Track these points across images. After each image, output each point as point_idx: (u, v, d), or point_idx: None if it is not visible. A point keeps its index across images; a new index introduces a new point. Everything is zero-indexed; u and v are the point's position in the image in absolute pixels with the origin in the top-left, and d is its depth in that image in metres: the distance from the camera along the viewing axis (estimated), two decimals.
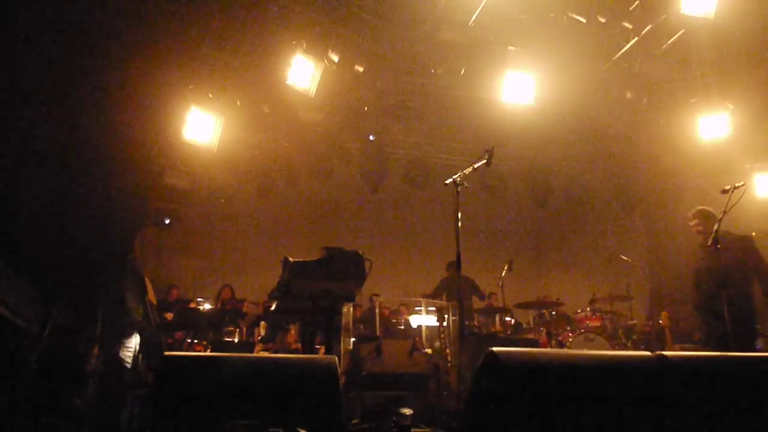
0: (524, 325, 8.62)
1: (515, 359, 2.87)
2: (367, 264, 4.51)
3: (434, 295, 9.26)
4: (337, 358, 3.08)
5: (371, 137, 10.48)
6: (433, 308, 8.52)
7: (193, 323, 8.08)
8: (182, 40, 7.75)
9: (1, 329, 4.89)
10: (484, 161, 4.89)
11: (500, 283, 8.34)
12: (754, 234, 5.98)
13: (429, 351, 7.07)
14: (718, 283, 5.52)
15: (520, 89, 8.36)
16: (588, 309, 8.23)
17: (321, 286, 4.35)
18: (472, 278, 9.26)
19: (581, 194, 11.38)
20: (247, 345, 8.12)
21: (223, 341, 7.94)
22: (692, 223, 6.04)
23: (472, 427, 3.04)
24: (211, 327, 8.34)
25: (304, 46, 7.83)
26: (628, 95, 9.17)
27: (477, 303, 9.40)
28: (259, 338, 8.48)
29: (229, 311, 8.88)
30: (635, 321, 8.62)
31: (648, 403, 2.79)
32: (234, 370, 2.98)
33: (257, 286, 9.06)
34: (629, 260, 8.69)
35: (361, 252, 4.54)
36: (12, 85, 5.74)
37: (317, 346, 6.51)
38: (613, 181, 11.11)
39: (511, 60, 8.34)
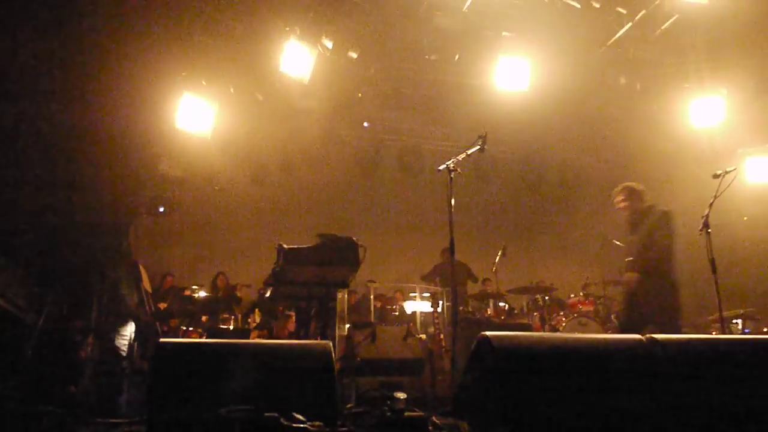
0: (517, 311, 8.67)
1: (508, 343, 2.91)
2: (361, 250, 4.54)
3: (427, 279, 9.30)
4: (331, 344, 3.11)
5: (365, 124, 10.48)
6: (428, 294, 8.57)
7: (188, 311, 8.10)
8: (175, 26, 7.70)
9: None
10: (478, 147, 4.91)
11: (494, 269, 8.38)
12: (668, 209, 5.80)
13: (423, 336, 7.12)
14: (635, 260, 5.64)
15: (513, 75, 8.37)
16: (581, 294, 8.28)
17: (315, 273, 4.38)
18: (465, 263, 9.30)
19: (574, 179, 11.42)
20: (242, 332, 8.15)
21: (218, 328, 7.96)
22: (617, 199, 5.98)
23: (465, 410, 3.08)
24: (206, 314, 8.37)
25: (298, 32, 7.80)
26: (622, 81, 9.19)
27: (471, 288, 9.45)
28: (254, 325, 8.52)
29: (224, 298, 8.91)
30: None
31: (639, 385, 2.83)
32: (229, 356, 3.01)
33: (252, 273, 9.07)
34: (622, 245, 8.71)
35: (355, 238, 4.56)
36: (1, 74, 5.71)
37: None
38: (606, 166, 11.13)
39: (505, 46, 8.34)
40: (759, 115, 8.97)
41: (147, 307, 6.90)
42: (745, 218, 9.36)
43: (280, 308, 7.89)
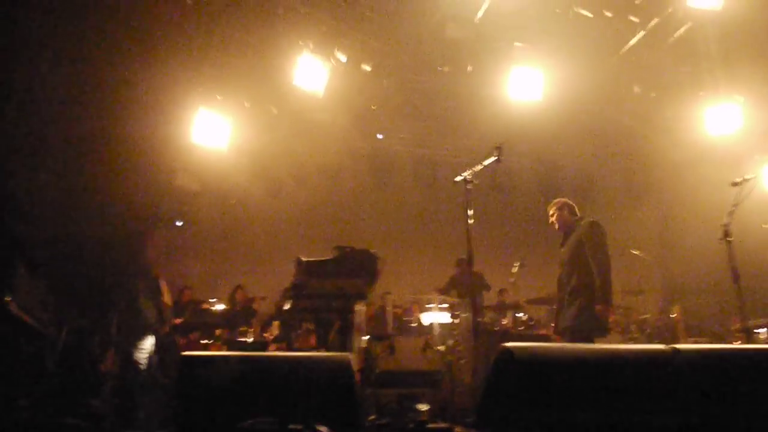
0: (535, 321, 8.61)
1: (529, 354, 2.90)
2: (379, 263, 4.54)
3: (444, 291, 9.27)
4: (351, 356, 3.12)
5: (379, 136, 10.51)
6: (445, 305, 8.54)
7: (206, 324, 8.14)
8: (189, 42, 7.81)
9: (21, 333, 4.96)
10: (495, 158, 4.91)
11: (512, 280, 8.34)
12: (594, 220, 5.76)
13: (442, 348, 7.10)
14: (565, 273, 5.66)
15: (527, 85, 8.36)
16: None
17: (334, 285, 4.39)
18: (479, 272, 9.26)
19: (590, 189, 11.36)
20: (260, 345, 8.17)
21: (237, 341, 7.99)
22: (549, 213, 6.02)
23: (487, 422, 3.07)
24: (224, 327, 8.40)
25: (311, 46, 7.86)
26: (636, 89, 9.16)
27: (489, 299, 9.40)
28: (273, 338, 8.53)
29: (241, 311, 8.94)
30: (648, 315, 8.60)
31: (663, 397, 2.81)
32: (252, 369, 3.03)
33: (269, 285, 9.08)
34: (640, 254, 8.67)
35: (373, 251, 4.57)
36: (25, 92, 5.81)
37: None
38: (622, 175, 11.09)
39: (518, 56, 8.34)
40: None
41: (167, 321, 6.94)
42: (765, 226, 9.27)
43: (302, 323, 7.89)
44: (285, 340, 8.25)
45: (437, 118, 9.94)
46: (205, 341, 7.62)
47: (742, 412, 2.83)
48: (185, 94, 8.02)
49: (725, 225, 5.04)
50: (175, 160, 8.62)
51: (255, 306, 9.03)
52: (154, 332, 6.96)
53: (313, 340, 7.72)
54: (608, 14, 7.78)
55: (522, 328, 8.23)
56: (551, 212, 5.96)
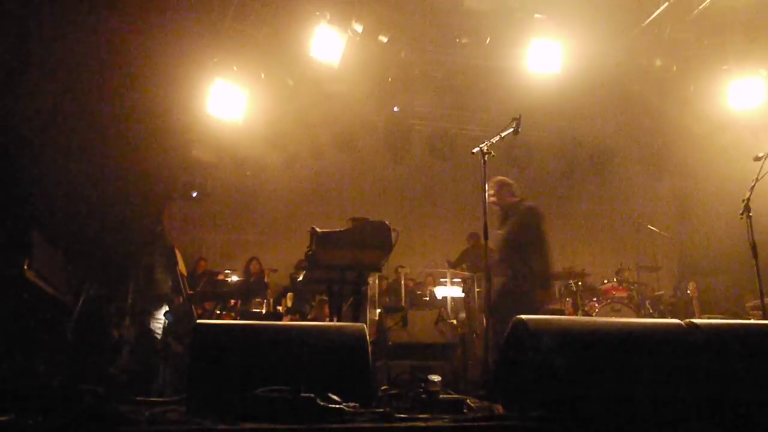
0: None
1: (544, 326, 2.88)
2: (393, 234, 4.52)
3: (455, 265, 9.25)
4: (365, 326, 3.12)
5: (396, 109, 10.43)
6: (458, 279, 8.54)
7: (221, 293, 8.21)
8: (205, 12, 7.74)
9: (39, 301, 5.01)
10: (512, 130, 4.86)
11: None
12: (534, 205, 5.80)
13: (454, 321, 7.12)
14: (502, 255, 5.61)
15: (546, 58, 8.24)
16: (615, 279, 8.19)
17: (348, 257, 4.38)
18: (492, 248, 9.22)
19: (608, 164, 11.22)
20: (274, 316, 8.23)
21: (251, 312, 8.06)
22: (489, 193, 5.90)
23: (500, 394, 3.07)
24: (238, 298, 8.47)
25: (328, 16, 7.78)
26: (658, 62, 8.98)
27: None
28: (286, 309, 8.59)
29: (255, 283, 9.01)
30: (662, 292, 8.56)
31: (679, 371, 2.78)
32: (265, 338, 3.04)
33: (283, 257, 9.14)
34: (657, 230, 8.60)
35: (387, 222, 4.55)
36: (41, 62, 5.80)
37: None
38: (641, 149, 10.94)
39: (537, 28, 8.21)
40: None
41: (182, 291, 7.00)
42: None
43: (315, 294, 7.93)
44: (299, 312, 8.32)
45: (454, 90, 9.82)
46: (219, 311, 7.69)
47: (757, 387, 2.81)
48: (202, 65, 7.98)
49: (746, 200, 4.96)
50: (191, 132, 8.62)
51: (266, 278, 9.08)
52: (170, 302, 7.04)
53: (326, 312, 7.77)
54: None
55: None
56: (490, 192, 5.83)
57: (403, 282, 8.61)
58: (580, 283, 8.09)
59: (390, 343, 6.39)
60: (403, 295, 8.53)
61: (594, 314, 7.52)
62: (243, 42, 8.14)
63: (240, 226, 10.52)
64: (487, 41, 8.59)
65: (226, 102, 8.15)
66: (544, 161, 11.39)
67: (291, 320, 8.11)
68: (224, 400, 2.65)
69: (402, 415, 2.62)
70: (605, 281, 8.27)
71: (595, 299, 8.02)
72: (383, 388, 3.27)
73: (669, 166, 10.80)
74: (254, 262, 9.22)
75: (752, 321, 5.68)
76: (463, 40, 8.63)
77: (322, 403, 2.51)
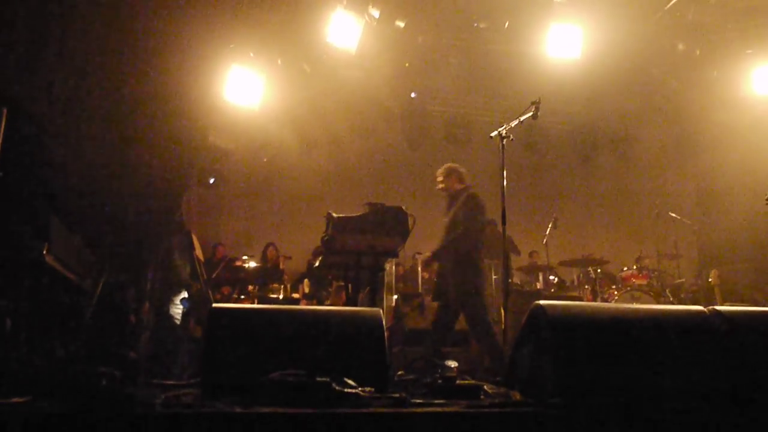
0: (568, 284, 8.52)
1: (563, 312, 2.84)
2: (410, 219, 4.50)
3: None
4: (381, 311, 3.09)
5: (413, 94, 10.34)
6: None
7: (238, 278, 8.25)
8: None
9: (58, 285, 5.05)
10: (531, 114, 4.79)
11: (545, 241, 8.24)
12: (474, 192, 5.88)
13: None
14: (444, 241, 5.74)
15: (565, 42, 8.11)
16: (634, 267, 8.09)
17: (365, 242, 4.36)
18: (509, 235, 9.15)
19: (628, 150, 11.06)
20: (291, 302, 8.26)
21: (268, 298, 8.09)
22: (437, 180, 5.92)
23: (517, 380, 3.03)
24: (255, 284, 8.51)
25: (345, 2, 7.72)
26: (680, 47, 8.80)
27: (520, 261, 9.31)
28: (303, 295, 8.61)
29: (272, 269, 9.04)
30: (683, 279, 8.45)
31: (702, 359, 2.73)
32: (281, 322, 3.03)
33: (300, 243, 9.16)
34: (678, 217, 8.46)
35: (404, 207, 4.52)
36: (61, 42, 5.82)
37: None
38: (662, 136, 10.76)
39: (557, 12, 8.08)
40: None
41: (200, 276, 7.04)
42: None
43: (332, 280, 7.94)
44: (315, 298, 8.33)
45: (472, 76, 9.70)
46: (237, 297, 7.73)
47: None
48: (219, 51, 7.96)
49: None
50: (209, 118, 8.62)
51: (281, 265, 9.11)
52: (188, 288, 7.08)
53: (343, 299, 7.77)
54: None
55: (553, 290, 8.16)
56: (438, 179, 5.98)
57: (419, 269, 8.58)
58: (599, 270, 8.02)
59: (406, 329, 6.38)
60: (419, 281, 8.51)
61: (613, 302, 7.45)
62: (260, 28, 8.10)
63: (257, 212, 10.55)
64: (506, 25, 8.47)
65: (243, 88, 8.14)
66: (562, 147, 11.25)
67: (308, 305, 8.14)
68: (239, 383, 2.65)
69: (418, 401, 2.60)
70: (625, 268, 8.18)
71: (614, 287, 7.94)
72: (399, 373, 3.25)
73: (690, 153, 10.61)
74: (271, 248, 9.25)
75: None
76: (481, 25, 8.53)
77: (337, 388, 2.50)
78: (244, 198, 10.48)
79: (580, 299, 7.76)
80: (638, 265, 8.11)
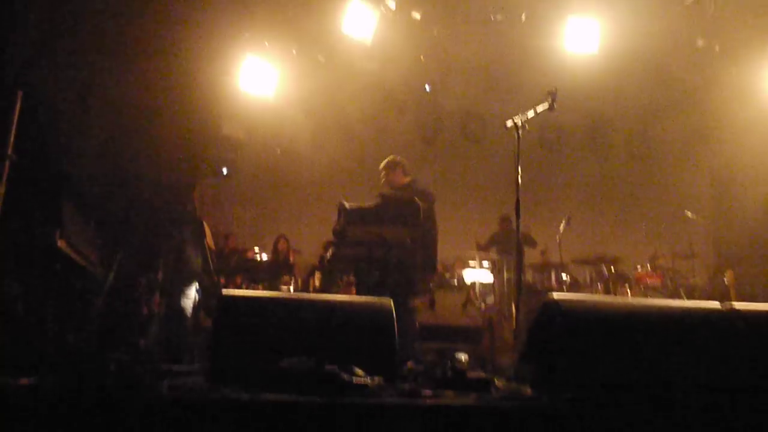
0: (581, 282, 8.43)
1: (576, 306, 2.79)
2: (422, 212, 4.45)
3: (484, 248, 9.12)
4: (392, 301, 3.06)
5: (427, 88, 10.27)
6: (488, 263, 8.42)
7: (249, 268, 8.24)
8: None
9: (70, 271, 5.07)
10: (547, 105, 4.71)
11: (558, 239, 8.16)
12: (424, 188, 5.69)
13: (482, 306, 7.03)
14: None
15: (583, 36, 8.01)
16: (648, 266, 8.00)
17: (376, 232, 4.33)
18: (525, 228, 9.07)
19: (644, 147, 10.93)
20: None
21: (278, 291, 8.07)
22: (381, 175, 5.75)
23: (528, 375, 2.99)
24: (266, 277, 8.49)
25: None
26: (699, 42, 8.67)
27: (532, 258, 9.22)
28: (314, 289, 8.58)
29: (283, 261, 9.02)
30: (698, 279, 8.34)
31: (717, 355, 2.67)
32: (291, 310, 3.00)
33: (312, 236, 9.13)
34: (694, 216, 8.35)
35: (416, 199, 4.48)
36: (75, 30, 5.82)
37: None
38: (679, 134, 10.62)
39: (575, 5, 7.98)
40: None
41: (211, 264, 7.03)
42: None
43: (341, 276, 7.90)
44: (326, 292, 8.30)
45: (487, 70, 9.62)
46: (247, 287, 7.72)
47: None
48: (233, 41, 7.95)
49: None
50: (222, 108, 8.62)
51: (291, 259, 9.09)
52: (200, 280, 7.07)
53: (353, 293, 7.74)
54: None
55: (565, 288, 8.07)
56: (381, 174, 5.82)
57: None
58: (612, 269, 7.93)
59: (417, 325, 6.33)
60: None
61: None
62: (275, 17, 8.08)
63: (270, 204, 10.55)
64: (523, 18, 8.38)
65: (257, 78, 8.12)
66: (577, 144, 11.15)
67: None
68: (248, 370, 2.63)
69: (428, 393, 2.56)
70: (638, 267, 8.09)
71: (627, 286, 7.85)
72: (408, 365, 3.22)
73: (708, 151, 10.47)
74: (282, 240, 9.23)
75: None
76: (498, 17, 8.43)
77: (346, 377, 2.47)
78: (256, 189, 10.49)
79: None
80: (652, 264, 8.01)
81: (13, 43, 5.18)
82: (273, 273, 8.60)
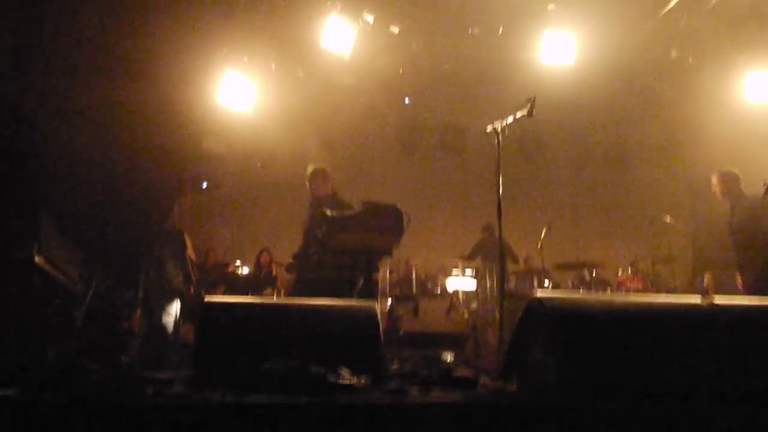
0: (563, 287, 8.49)
1: (560, 304, 2.81)
2: (405, 219, 4.46)
3: (470, 258, 9.17)
4: (377, 305, 3.06)
5: (407, 101, 10.34)
6: (470, 271, 8.46)
7: (231, 286, 8.19)
8: (216, 2, 7.71)
9: (49, 287, 5.00)
10: (526, 111, 4.75)
11: (539, 246, 8.22)
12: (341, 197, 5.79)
13: (466, 312, 7.04)
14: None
15: (559, 49, 8.13)
16: (629, 270, 8.09)
17: (359, 240, 4.33)
18: (507, 241, 9.15)
19: (622, 156, 11.09)
20: None
21: None
22: (307, 185, 5.85)
23: (514, 373, 2.99)
24: (249, 291, 8.44)
25: (339, 7, 7.72)
26: (673, 54, 8.83)
27: (511, 265, 9.28)
28: None
29: (266, 275, 8.98)
30: (677, 282, 8.44)
31: (700, 349, 2.70)
32: (275, 315, 2.99)
33: (295, 249, 9.08)
34: (672, 221, 8.47)
35: (399, 206, 4.49)
36: (52, 45, 5.79)
37: None
38: (656, 142, 10.79)
39: (551, 19, 8.10)
40: None
41: (192, 276, 6.97)
42: None
43: None
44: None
45: (466, 82, 9.72)
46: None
47: None
48: (212, 56, 7.95)
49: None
50: (202, 123, 8.59)
51: (274, 272, 9.05)
52: (181, 296, 7.01)
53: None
54: None
55: None
56: (307, 183, 5.98)
57: (414, 274, 8.54)
58: (593, 274, 8.01)
59: (401, 332, 6.33)
60: (414, 286, 8.47)
61: None
62: (254, 32, 8.10)
63: (250, 217, 10.51)
64: (500, 32, 8.49)
65: (236, 93, 8.12)
66: (555, 155, 11.28)
67: None
68: (232, 375, 2.60)
69: (414, 392, 2.55)
70: (619, 272, 8.18)
71: (608, 290, 7.92)
72: (394, 367, 3.21)
73: (684, 159, 10.64)
74: (264, 253, 9.19)
75: None
76: (475, 31, 8.53)
77: (332, 378, 2.46)
78: (237, 203, 10.45)
79: None
80: (633, 269, 8.10)
81: None
82: (255, 286, 8.56)
